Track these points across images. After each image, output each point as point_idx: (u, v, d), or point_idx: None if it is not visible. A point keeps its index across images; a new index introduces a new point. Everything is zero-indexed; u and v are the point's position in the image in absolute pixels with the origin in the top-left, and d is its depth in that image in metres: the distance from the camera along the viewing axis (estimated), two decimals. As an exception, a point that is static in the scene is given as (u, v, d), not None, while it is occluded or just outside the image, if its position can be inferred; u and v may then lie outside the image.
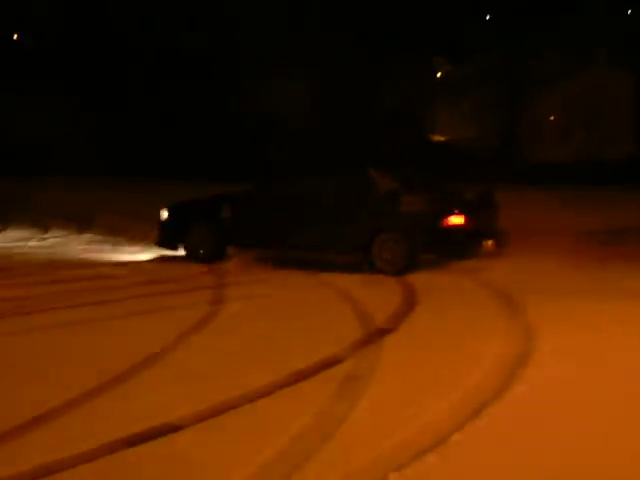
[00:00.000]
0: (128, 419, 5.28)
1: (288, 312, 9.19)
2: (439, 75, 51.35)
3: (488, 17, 45.87)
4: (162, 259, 13.38)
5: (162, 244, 13.75)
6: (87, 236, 16.75)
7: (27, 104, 36.13)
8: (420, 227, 11.95)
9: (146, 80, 37.96)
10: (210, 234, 13.21)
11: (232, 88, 37.80)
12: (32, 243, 15.76)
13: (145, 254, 14.00)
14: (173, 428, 5.15)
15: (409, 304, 9.49)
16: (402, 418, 5.42)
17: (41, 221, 19.18)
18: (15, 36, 43.34)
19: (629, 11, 43.54)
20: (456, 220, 11.97)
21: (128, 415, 5.38)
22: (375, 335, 7.83)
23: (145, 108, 37.76)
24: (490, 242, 12.24)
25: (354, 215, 12.33)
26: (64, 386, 5.98)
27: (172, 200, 14.23)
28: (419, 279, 11.31)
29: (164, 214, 13.68)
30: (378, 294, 10.34)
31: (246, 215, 13.09)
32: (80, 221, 18.85)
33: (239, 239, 13.23)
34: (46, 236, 16.90)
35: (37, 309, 9.00)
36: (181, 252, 13.38)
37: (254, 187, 13.32)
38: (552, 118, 44.25)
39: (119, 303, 9.45)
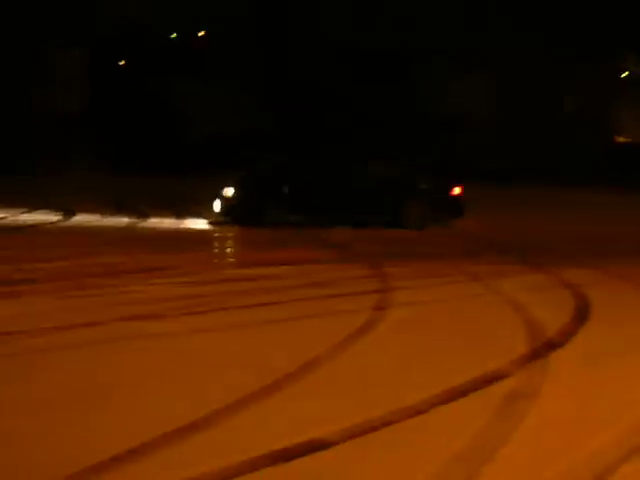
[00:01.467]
0: (274, 433, 5.07)
1: (451, 321, 8.88)
2: (625, 74, 49.51)
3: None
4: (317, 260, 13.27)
5: (234, 218, 17.92)
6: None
7: (208, 101, 37.01)
8: (435, 196, 18.43)
9: (332, 79, 38.16)
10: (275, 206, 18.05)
11: (422, 87, 37.59)
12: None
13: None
14: (322, 444, 4.91)
15: (581, 314, 9.01)
16: (569, 442, 5.03)
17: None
18: (201, 33, 44.45)
19: None
20: (457, 190, 18.70)
21: (274, 429, 5.16)
22: (543, 349, 7.41)
23: (329, 107, 37.94)
24: None
25: (390, 188, 18.28)
26: (223, 391, 5.87)
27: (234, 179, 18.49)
28: (592, 288, 10.79)
29: (229, 192, 18.11)
30: (545, 301, 9.88)
31: (304, 191, 18.22)
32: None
33: (299, 209, 18.33)
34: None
35: (199, 310, 8.98)
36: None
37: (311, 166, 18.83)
38: None
39: (280, 306, 9.34)
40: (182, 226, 18.64)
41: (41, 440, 4.85)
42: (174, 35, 44.30)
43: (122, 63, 40.35)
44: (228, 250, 14.34)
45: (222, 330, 8.01)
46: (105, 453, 4.59)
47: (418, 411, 5.56)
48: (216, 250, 14.16)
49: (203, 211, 19.41)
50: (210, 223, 18.54)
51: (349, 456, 4.80)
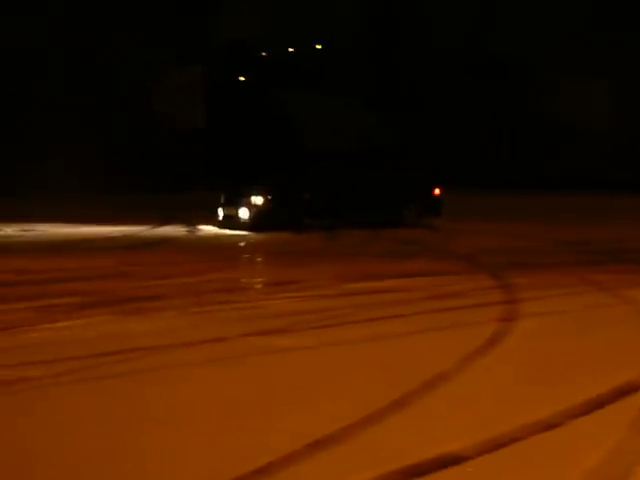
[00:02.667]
0: (403, 448, 5.03)
1: (580, 332, 8.71)
2: None
3: None
4: (441, 272, 13.15)
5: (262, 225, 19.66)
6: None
7: (326, 116, 37.24)
8: (425, 198, 21.75)
9: (438, 82, 37.98)
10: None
11: (530, 89, 37.05)
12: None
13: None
14: (454, 459, 4.86)
15: None
16: None
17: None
18: (318, 46, 44.85)
19: None
20: (437, 191, 22.01)
21: (403, 444, 5.12)
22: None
23: (440, 111, 37.75)
24: None
25: (395, 194, 21.36)
26: (351, 406, 5.87)
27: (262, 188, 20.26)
28: None
29: (259, 200, 20.00)
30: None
31: (323, 197, 20.58)
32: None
33: (318, 214, 20.53)
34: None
35: (323, 324, 9.00)
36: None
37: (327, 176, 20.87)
38: None
39: (405, 319, 9.30)
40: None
41: (184, 455, 4.93)
42: (292, 50, 44.82)
43: (242, 79, 40.94)
44: (344, 264, 14.37)
45: (347, 344, 8.01)
46: (235, 470, 4.64)
47: (549, 425, 5.45)
48: (333, 264, 14.20)
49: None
50: (224, 228, 20.37)
51: (483, 471, 4.74)
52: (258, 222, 19.90)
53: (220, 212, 20.84)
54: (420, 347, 7.93)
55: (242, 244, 17.79)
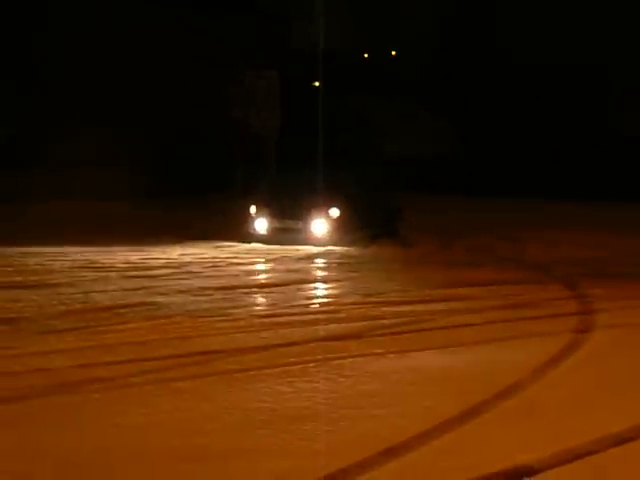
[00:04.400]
0: (475, 459, 5.03)
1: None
2: None
3: None
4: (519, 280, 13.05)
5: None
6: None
7: (399, 121, 37.22)
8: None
9: (512, 91, 37.65)
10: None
11: (609, 103, 36.57)
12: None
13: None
14: (528, 471, 4.83)
15: None
16: None
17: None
18: (393, 52, 44.85)
19: None
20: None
21: (475, 455, 5.12)
22: None
23: (517, 124, 37.42)
24: None
25: (388, 211, 19.50)
26: (421, 414, 5.88)
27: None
28: None
29: (336, 212, 17.64)
30: None
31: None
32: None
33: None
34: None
35: (397, 330, 9.02)
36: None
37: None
38: None
39: (478, 328, 9.26)
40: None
41: (262, 454, 5.00)
42: (366, 55, 44.87)
43: (316, 84, 41.11)
44: (418, 272, 14.33)
45: (420, 351, 8.02)
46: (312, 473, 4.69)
47: (624, 439, 5.40)
48: (408, 272, 14.18)
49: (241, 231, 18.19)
50: (271, 243, 17.47)
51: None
52: (335, 236, 17.66)
53: (261, 224, 17.91)
54: (493, 357, 7.89)
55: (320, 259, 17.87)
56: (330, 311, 10.13)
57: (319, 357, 7.67)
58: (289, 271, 13.89)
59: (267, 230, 17.76)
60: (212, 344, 8.10)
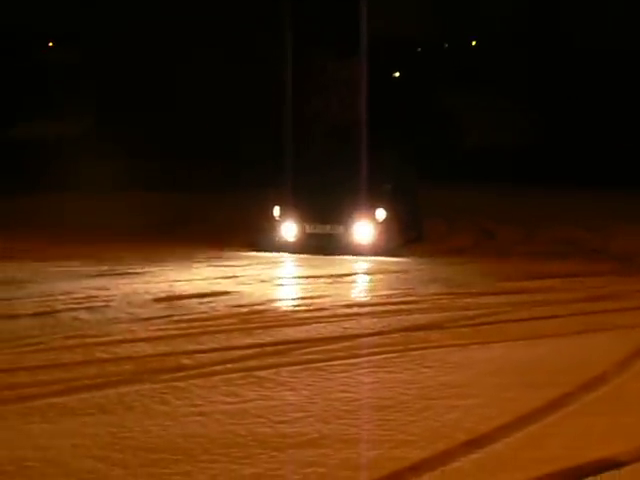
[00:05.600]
0: (559, 450, 5.00)
1: None
2: None
3: None
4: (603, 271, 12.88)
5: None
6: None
7: (482, 111, 36.97)
8: None
9: (586, 83, 37.07)
10: None
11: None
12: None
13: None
14: (613, 464, 4.80)
15: None
16: None
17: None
18: (473, 43, 44.56)
19: None
20: None
21: (558, 446, 5.09)
22: None
23: (591, 113, 36.87)
24: None
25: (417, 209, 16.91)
26: (506, 406, 5.86)
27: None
28: None
29: (382, 215, 14.64)
30: None
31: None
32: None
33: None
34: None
35: (475, 322, 8.99)
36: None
37: None
38: None
39: (561, 320, 9.16)
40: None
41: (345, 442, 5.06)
42: (446, 45, 44.62)
43: (396, 74, 41.06)
44: (499, 263, 14.21)
45: (502, 343, 7.98)
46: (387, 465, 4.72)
47: None
48: (488, 262, 14.08)
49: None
50: (297, 252, 14.53)
51: (640, 478, 4.68)
52: (381, 242, 14.59)
53: (289, 230, 14.76)
54: (577, 349, 7.82)
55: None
56: (412, 302, 10.13)
57: (401, 347, 7.70)
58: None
59: (296, 237, 14.69)
60: (295, 334, 8.18)
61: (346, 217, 14.54)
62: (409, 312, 9.45)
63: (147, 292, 10.27)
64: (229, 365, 6.95)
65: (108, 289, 10.46)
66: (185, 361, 7.08)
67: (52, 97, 35.10)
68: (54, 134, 32.69)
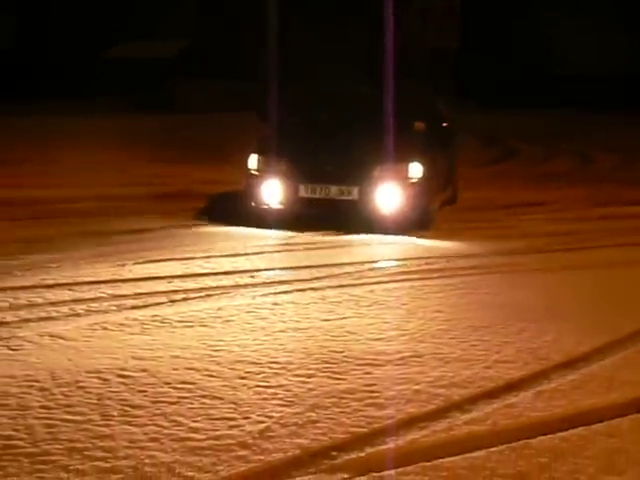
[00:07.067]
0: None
1: None
2: None
3: None
4: None
5: None
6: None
7: (581, 37, 36.03)
8: None
9: None
10: None
11: None
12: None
13: None
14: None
15: None
16: None
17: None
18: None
19: None
20: None
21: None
22: None
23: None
24: None
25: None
26: (598, 331, 5.79)
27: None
28: None
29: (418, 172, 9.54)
30: None
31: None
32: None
33: None
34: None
35: (573, 247, 8.91)
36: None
37: None
38: None
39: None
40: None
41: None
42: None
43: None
44: (593, 188, 13.94)
45: (593, 268, 7.90)
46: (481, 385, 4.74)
47: None
48: (583, 187, 13.83)
49: None
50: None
51: None
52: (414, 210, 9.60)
53: (274, 192, 9.71)
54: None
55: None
56: (509, 226, 10.08)
57: (495, 270, 7.70)
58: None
59: (284, 203, 9.70)
60: (391, 252, 8.24)
61: (364, 174, 9.50)
62: (505, 236, 9.38)
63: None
64: (326, 282, 7.03)
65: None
66: (283, 277, 7.18)
67: (148, 19, 35.37)
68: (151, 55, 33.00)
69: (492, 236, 9.40)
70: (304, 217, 9.58)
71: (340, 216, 9.52)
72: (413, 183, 9.52)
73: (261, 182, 9.69)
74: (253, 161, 9.83)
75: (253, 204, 9.77)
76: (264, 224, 9.51)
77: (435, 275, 7.42)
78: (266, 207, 9.69)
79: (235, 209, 10.19)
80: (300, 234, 9.19)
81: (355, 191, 9.44)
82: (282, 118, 10.58)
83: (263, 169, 9.75)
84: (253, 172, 9.79)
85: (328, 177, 9.51)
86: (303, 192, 9.56)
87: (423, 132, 10.16)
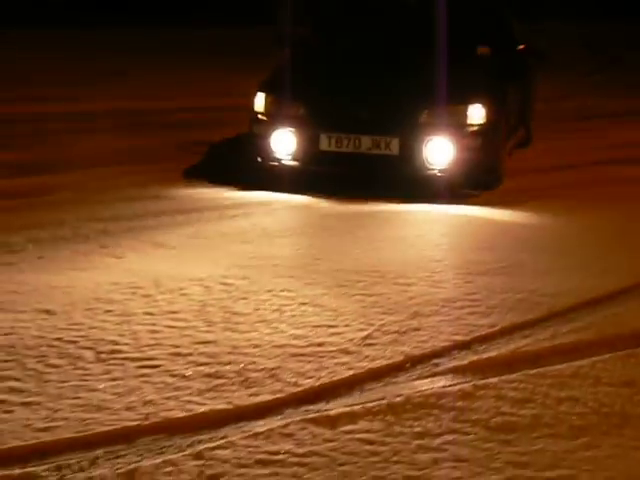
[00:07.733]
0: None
1: None
2: None
3: None
4: None
5: None
6: None
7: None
8: None
9: None
10: None
11: None
12: None
13: None
14: None
15: None
16: None
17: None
18: None
19: None
20: None
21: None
22: None
23: None
24: None
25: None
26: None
27: None
28: None
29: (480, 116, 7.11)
30: None
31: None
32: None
33: None
34: None
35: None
36: None
37: None
38: None
39: None
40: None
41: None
42: None
43: None
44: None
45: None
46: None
47: None
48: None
49: None
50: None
51: None
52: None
53: (286, 142, 7.22)
54: None
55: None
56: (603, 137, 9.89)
57: (592, 179, 7.56)
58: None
59: (300, 158, 7.27)
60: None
61: (407, 121, 7.09)
62: (603, 146, 9.27)
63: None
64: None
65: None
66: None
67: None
68: None
69: (590, 147, 9.15)
70: (328, 179, 7.22)
71: (374, 177, 7.26)
72: (474, 132, 7.06)
73: (270, 130, 7.23)
74: (260, 102, 7.37)
75: (260, 159, 7.36)
76: (273, 187, 7.15)
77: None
78: (276, 164, 7.32)
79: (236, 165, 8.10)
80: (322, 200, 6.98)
81: (394, 143, 7.03)
82: (301, 43, 8.29)
83: (273, 113, 7.31)
84: (260, 117, 7.37)
85: (358, 124, 7.11)
86: (325, 144, 7.11)
87: (489, 60, 7.72)
